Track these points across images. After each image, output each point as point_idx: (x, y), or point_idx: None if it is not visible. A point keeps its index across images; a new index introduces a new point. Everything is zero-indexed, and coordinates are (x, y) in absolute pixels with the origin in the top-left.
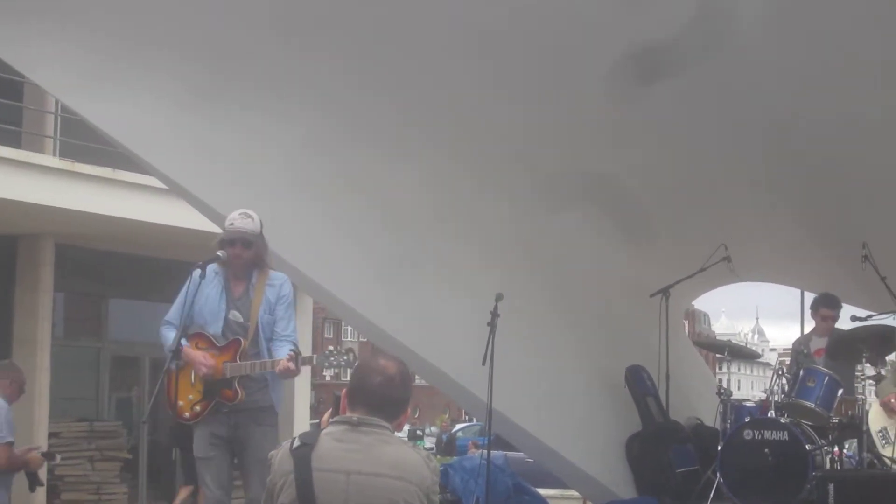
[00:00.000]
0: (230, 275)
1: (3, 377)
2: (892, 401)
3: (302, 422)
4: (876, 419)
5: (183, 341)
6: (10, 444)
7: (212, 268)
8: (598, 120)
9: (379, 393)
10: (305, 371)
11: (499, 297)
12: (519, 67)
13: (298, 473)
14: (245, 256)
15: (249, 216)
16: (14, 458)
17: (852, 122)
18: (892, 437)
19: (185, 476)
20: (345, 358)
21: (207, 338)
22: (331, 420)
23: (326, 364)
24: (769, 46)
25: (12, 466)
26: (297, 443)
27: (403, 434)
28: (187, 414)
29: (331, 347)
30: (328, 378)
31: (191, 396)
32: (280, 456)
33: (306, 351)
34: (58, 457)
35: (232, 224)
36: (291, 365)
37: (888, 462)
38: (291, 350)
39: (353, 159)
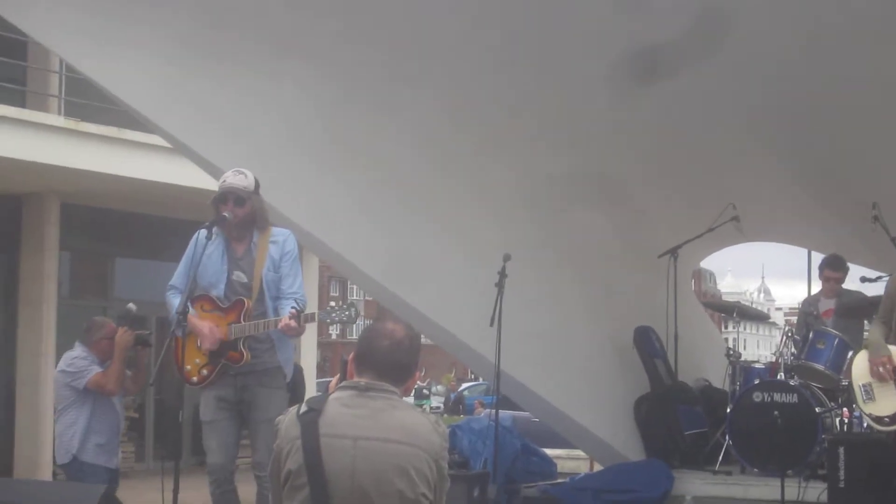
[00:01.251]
0: (230, 235)
1: (90, 340)
2: (886, 366)
3: (308, 380)
4: (860, 373)
5: (189, 307)
6: (99, 371)
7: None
8: (594, 81)
9: (387, 357)
10: (311, 329)
11: (506, 258)
12: (523, 38)
13: (305, 439)
14: (239, 214)
15: (242, 173)
16: (111, 371)
17: (860, 82)
18: (874, 395)
19: None
20: (347, 313)
21: (212, 300)
22: (338, 385)
23: (329, 320)
24: (774, 6)
25: (117, 377)
26: (304, 408)
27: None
28: (195, 378)
29: (332, 303)
30: (334, 336)
31: (197, 360)
32: (287, 421)
33: (312, 308)
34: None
35: (224, 181)
36: (293, 322)
37: (868, 420)
38: (293, 308)
39: (351, 120)
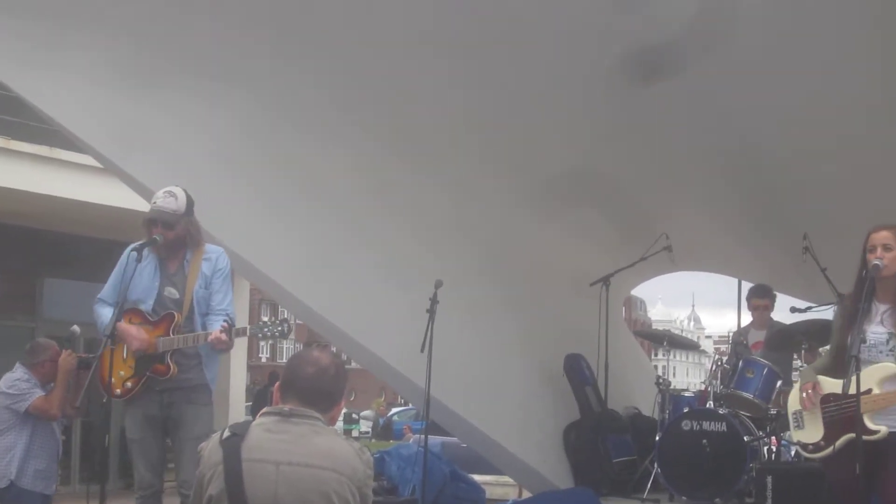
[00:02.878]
0: (160, 255)
1: (33, 363)
2: (809, 392)
3: (237, 402)
4: (793, 402)
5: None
6: (41, 395)
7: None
8: (540, 107)
9: (311, 384)
10: (241, 350)
11: (438, 284)
12: (461, 62)
13: (227, 464)
14: (168, 236)
15: (173, 195)
16: (53, 396)
17: (797, 116)
18: (803, 423)
19: None
20: (279, 329)
21: (141, 313)
22: (262, 411)
23: (261, 335)
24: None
25: (59, 402)
26: (226, 433)
27: (339, 420)
28: (119, 391)
29: (265, 318)
30: (264, 360)
31: (122, 372)
32: (210, 447)
33: None
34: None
35: (154, 203)
36: (224, 336)
37: (797, 447)
38: (225, 321)
39: (282, 143)
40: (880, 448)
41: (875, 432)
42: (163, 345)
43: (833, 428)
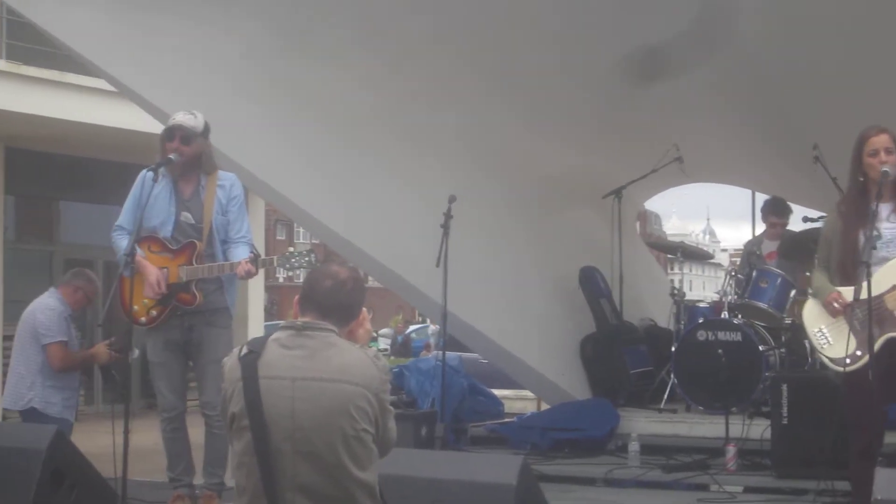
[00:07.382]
0: (177, 176)
1: (68, 285)
2: (838, 301)
3: (256, 323)
4: (813, 320)
5: (136, 248)
6: (63, 343)
7: (160, 171)
8: (549, 31)
9: (329, 297)
10: (259, 273)
11: (452, 199)
12: None
13: (246, 381)
14: (185, 152)
15: (192, 114)
16: (70, 356)
17: (802, 26)
18: (830, 339)
19: None
20: (306, 259)
21: (160, 241)
22: (280, 325)
23: (288, 266)
24: None
25: (69, 365)
26: (244, 350)
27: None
28: (143, 319)
29: (291, 248)
30: (282, 280)
31: (146, 301)
32: (230, 363)
33: (259, 251)
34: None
35: (174, 119)
36: (252, 267)
37: (829, 364)
38: (252, 252)
39: (290, 68)
40: None
41: None
42: (187, 274)
43: (866, 334)
